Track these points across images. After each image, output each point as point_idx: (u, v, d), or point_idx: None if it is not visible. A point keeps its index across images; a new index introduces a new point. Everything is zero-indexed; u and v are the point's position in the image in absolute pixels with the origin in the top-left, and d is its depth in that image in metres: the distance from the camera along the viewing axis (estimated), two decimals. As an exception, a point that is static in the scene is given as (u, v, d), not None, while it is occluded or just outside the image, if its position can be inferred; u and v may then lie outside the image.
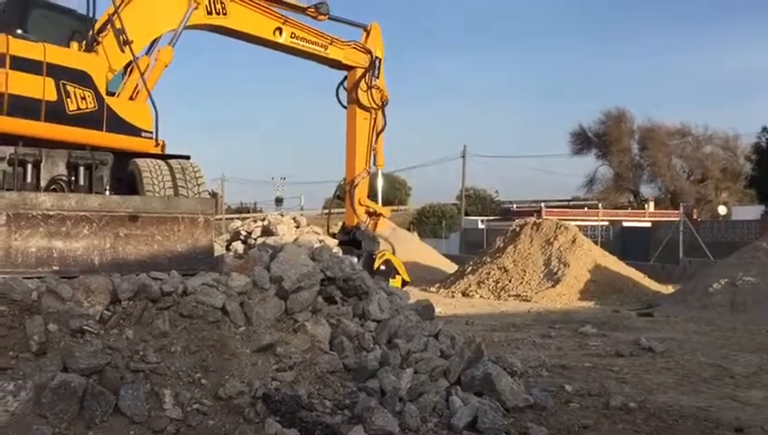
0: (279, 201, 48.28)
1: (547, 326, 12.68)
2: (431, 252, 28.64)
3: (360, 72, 10.87)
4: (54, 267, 5.51)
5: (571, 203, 50.94)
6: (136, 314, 5.16)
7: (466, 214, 45.03)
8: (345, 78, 11.06)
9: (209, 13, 8.74)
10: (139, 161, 6.98)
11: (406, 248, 26.76)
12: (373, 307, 6.71)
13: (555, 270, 19.70)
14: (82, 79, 7.26)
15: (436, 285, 21.77)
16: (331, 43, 10.35)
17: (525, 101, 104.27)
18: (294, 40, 9.84)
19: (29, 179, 6.52)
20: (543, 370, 8.14)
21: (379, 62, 10.90)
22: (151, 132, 7.81)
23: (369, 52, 10.80)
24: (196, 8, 8.51)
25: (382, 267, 10.21)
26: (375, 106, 10.92)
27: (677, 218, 28.31)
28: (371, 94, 10.81)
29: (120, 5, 7.83)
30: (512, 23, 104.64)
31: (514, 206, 47.60)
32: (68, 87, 7.07)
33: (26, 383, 4.34)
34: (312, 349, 5.72)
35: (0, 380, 4.37)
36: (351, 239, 10.43)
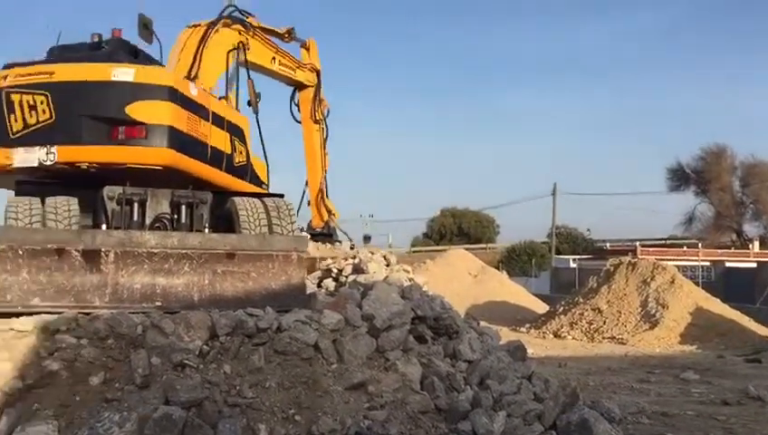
0: (367, 239, 48.55)
1: (645, 371, 12.14)
2: (521, 291, 28.08)
3: (312, 89, 11.49)
4: (157, 303, 5.74)
5: (668, 242, 48.90)
6: (233, 349, 5.29)
7: (557, 252, 44.01)
8: (293, 95, 11.66)
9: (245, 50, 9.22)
10: (237, 200, 7.22)
11: (494, 287, 26.47)
12: (464, 347, 6.62)
13: (653, 312, 18.88)
14: (241, 134, 8.09)
15: (527, 326, 21.28)
16: (298, 67, 10.94)
17: (617, 136, 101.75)
18: (281, 66, 10.38)
19: (135, 217, 6.85)
20: (643, 417, 7.77)
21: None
22: (266, 184, 8.68)
23: (316, 70, 11.43)
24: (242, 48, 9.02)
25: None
26: (323, 117, 11.73)
27: (786, 258, 26.62)
28: (321, 108, 11.53)
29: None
30: (601, 56, 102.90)
31: (608, 244, 46.11)
32: (235, 142, 7.88)
33: (131, 415, 4.51)
34: (404, 388, 5.68)
35: (107, 411, 4.56)
36: (325, 233, 11.48)
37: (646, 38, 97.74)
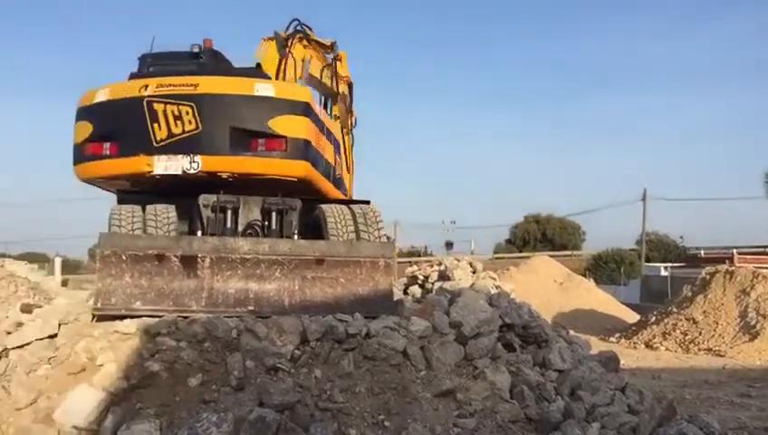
0: (449, 245, 48.27)
1: (745, 384, 11.53)
2: (609, 299, 27.20)
3: (345, 102, 11.36)
4: (250, 307, 5.90)
5: (768, 249, 46.35)
6: (323, 354, 5.38)
7: (647, 260, 42.41)
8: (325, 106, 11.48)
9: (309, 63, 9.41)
10: (325, 207, 7.35)
11: (581, 295, 25.77)
12: (554, 356, 6.49)
13: (753, 323, 17.89)
14: (338, 146, 8.55)
15: (616, 335, 20.61)
16: (338, 79, 10.78)
17: (710, 140, 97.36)
18: (326, 79, 10.37)
19: (229, 224, 7.09)
20: (745, 433, 7.39)
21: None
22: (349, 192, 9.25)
23: (350, 83, 11.26)
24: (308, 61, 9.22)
25: None
26: (352, 127, 11.50)
27: None
28: (351, 119, 11.44)
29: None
30: (693, 61, 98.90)
31: (702, 252, 44.07)
32: (335, 154, 8.32)
33: (227, 416, 4.65)
34: (493, 397, 5.61)
35: (205, 411, 4.72)
36: None
37: (738, 42, 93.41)
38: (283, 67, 8.64)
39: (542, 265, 28.80)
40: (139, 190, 7.48)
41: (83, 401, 4.75)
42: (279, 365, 5.15)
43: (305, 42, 9.15)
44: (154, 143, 6.87)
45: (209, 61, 7.55)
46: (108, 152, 7.06)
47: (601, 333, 20.94)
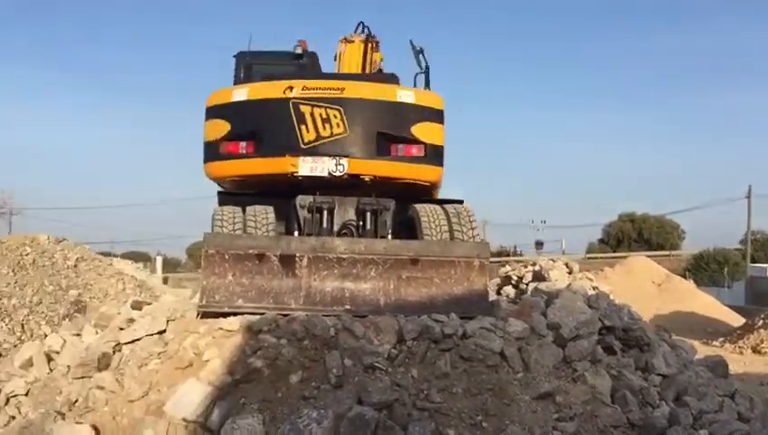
0: (539, 245, 47.48)
1: None
2: (711, 301, 25.94)
3: None
4: (346, 306, 5.99)
5: None
6: (420, 353, 5.39)
7: (753, 260, 40.19)
8: None
9: None
10: (418, 207, 7.37)
11: (681, 297, 24.70)
12: (658, 360, 6.25)
13: None
14: None
15: (720, 339, 19.64)
16: None
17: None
18: None
19: (325, 225, 7.23)
20: None
21: None
22: None
23: None
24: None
25: None
26: None
27: None
28: None
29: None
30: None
31: (814, 251, 41.45)
32: None
33: (327, 413, 4.73)
34: (593, 400, 5.46)
35: (305, 407, 4.83)
36: None
37: None
38: (369, 69, 8.76)
39: (639, 265, 27.81)
40: (239, 192, 7.74)
41: (191, 395, 4.95)
42: (376, 364, 5.20)
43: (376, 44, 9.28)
44: (301, 145, 7.06)
45: (309, 62, 7.73)
46: (246, 151, 7.22)
47: (703, 336, 20.03)
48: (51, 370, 6.36)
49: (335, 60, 8.98)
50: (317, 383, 5.10)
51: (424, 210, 7.28)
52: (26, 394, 6.18)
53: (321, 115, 7.05)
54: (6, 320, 11.17)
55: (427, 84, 8.01)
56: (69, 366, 6.12)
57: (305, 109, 7.06)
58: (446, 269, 6.22)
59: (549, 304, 6.26)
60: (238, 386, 5.10)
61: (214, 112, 7.40)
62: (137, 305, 7.08)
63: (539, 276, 8.26)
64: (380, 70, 8.77)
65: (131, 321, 6.43)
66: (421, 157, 7.26)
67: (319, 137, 7.05)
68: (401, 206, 7.56)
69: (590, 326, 6.01)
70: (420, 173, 7.38)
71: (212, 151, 7.39)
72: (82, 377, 5.82)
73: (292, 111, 7.06)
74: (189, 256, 54.06)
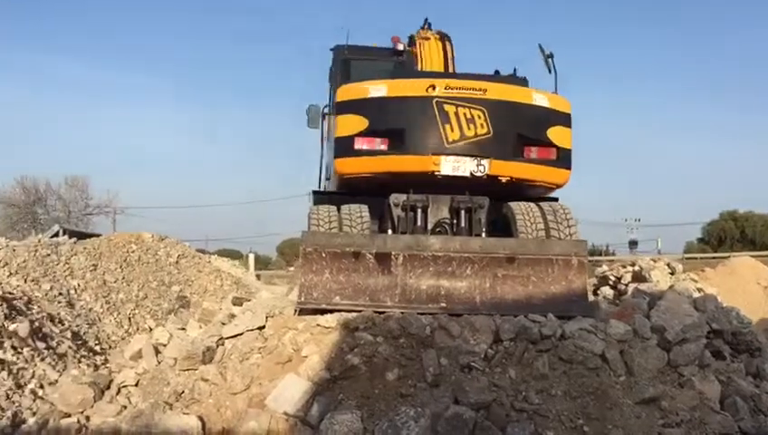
0: (634, 244, 45.80)
1: None
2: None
3: None
4: (442, 304, 5.97)
5: None
6: (517, 354, 5.31)
7: None
8: None
9: None
10: (513, 204, 7.26)
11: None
12: (771, 366, 5.91)
13: None
14: None
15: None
16: None
17: None
18: None
19: (419, 223, 7.24)
20: None
21: None
22: None
23: None
24: None
25: None
26: None
27: None
28: None
29: None
30: None
31: None
32: None
33: (424, 411, 4.73)
34: (701, 407, 5.22)
35: (403, 405, 4.85)
36: None
37: None
38: (453, 66, 8.74)
39: (743, 266, 26.18)
40: (333, 191, 7.85)
41: (292, 390, 5.06)
42: (473, 364, 5.17)
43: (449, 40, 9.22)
44: (446, 144, 7.06)
45: (408, 59, 7.76)
46: (382, 148, 7.16)
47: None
48: (158, 362, 6.67)
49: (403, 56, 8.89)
50: (413, 381, 5.11)
51: (519, 208, 7.17)
52: (136, 385, 6.50)
53: (465, 115, 7.04)
54: (115, 314, 11.77)
55: (555, 88, 7.89)
56: (175, 359, 6.38)
57: (449, 108, 7.04)
58: (544, 268, 6.11)
59: (652, 306, 6.03)
60: (336, 382, 5.18)
61: (348, 107, 7.29)
62: (237, 302, 7.32)
63: (639, 277, 7.95)
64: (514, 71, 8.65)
65: (232, 316, 6.65)
66: (554, 160, 7.30)
67: (463, 136, 7.04)
68: (495, 203, 7.48)
69: (697, 330, 5.75)
70: (552, 176, 7.40)
71: (345, 147, 7.24)
72: (188, 369, 6.06)
73: (435, 109, 7.05)
74: (280, 253, 55.41)
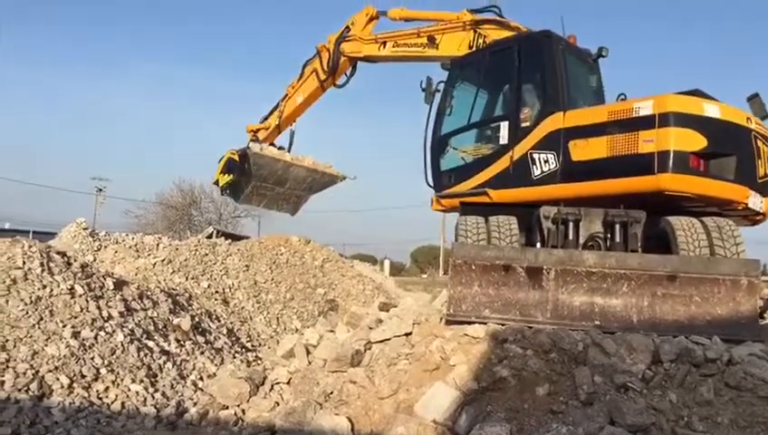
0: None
1: None
2: None
3: None
4: (596, 321, 5.76)
5: None
6: (678, 377, 5.02)
7: None
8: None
9: None
10: (672, 219, 6.85)
11: None
12: None
13: None
14: None
15: None
16: None
17: None
18: None
19: (570, 237, 7.01)
20: None
21: None
22: None
23: None
24: None
25: None
26: None
27: None
28: None
29: None
30: None
31: None
32: None
33: (577, 430, 4.57)
34: None
35: (554, 422, 4.72)
36: None
37: None
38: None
39: None
40: (479, 203, 7.79)
41: (440, 398, 5.07)
42: (630, 384, 4.93)
43: None
44: (757, 178, 7.11)
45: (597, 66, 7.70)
46: (703, 169, 6.83)
47: None
48: (309, 362, 6.93)
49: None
50: (565, 398, 4.96)
51: (679, 223, 6.75)
52: (288, 382, 6.80)
53: (764, 151, 7.12)
54: (264, 313, 12.39)
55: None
56: (325, 360, 6.61)
57: (760, 143, 7.09)
58: (709, 287, 5.73)
59: (835, 333, 5.49)
60: (485, 393, 5.13)
61: (684, 121, 6.79)
62: (383, 307, 7.46)
63: (816, 300, 7.26)
64: None
65: (380, 321, 6.78)
66: None
67: (766, 174, 7.12)
68: (652, 218, 7.10)
69: None
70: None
71: (681, 162, 6.71)
72: (337, 371, 6.25)
73: (753, 142, 7.03)
74: (414, 260, 55.80)
